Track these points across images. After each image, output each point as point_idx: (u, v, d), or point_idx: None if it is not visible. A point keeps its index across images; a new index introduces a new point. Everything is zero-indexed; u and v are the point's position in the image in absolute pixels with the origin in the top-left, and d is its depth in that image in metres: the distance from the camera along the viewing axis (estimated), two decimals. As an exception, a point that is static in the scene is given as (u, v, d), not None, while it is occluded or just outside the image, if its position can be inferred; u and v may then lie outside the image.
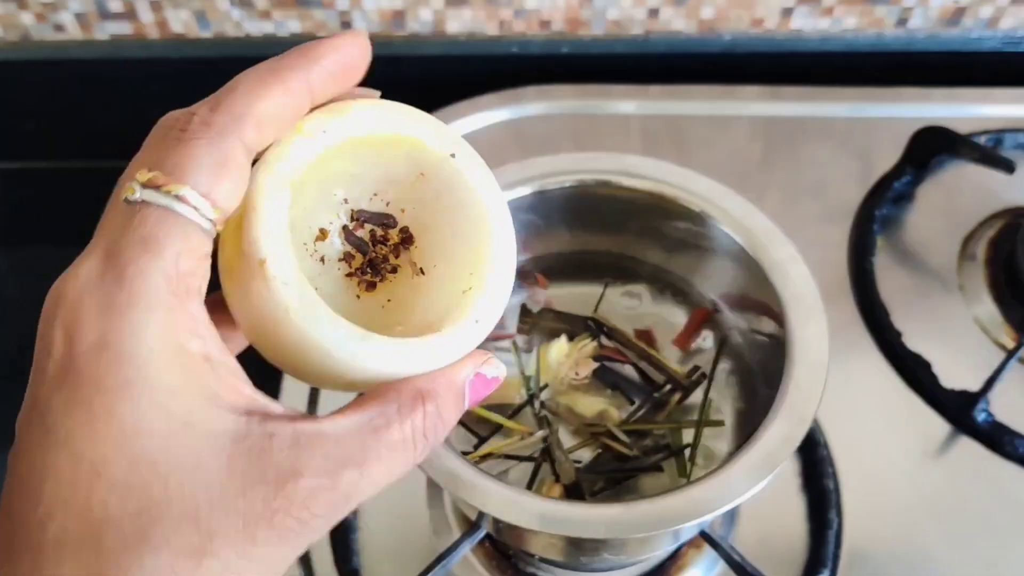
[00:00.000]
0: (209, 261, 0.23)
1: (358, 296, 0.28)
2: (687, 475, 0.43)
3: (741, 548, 0.43)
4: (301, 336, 0.23)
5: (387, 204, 0.28)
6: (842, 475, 0.51)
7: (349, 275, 0.27)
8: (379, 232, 0.28)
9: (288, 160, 0.24)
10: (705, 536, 0.44)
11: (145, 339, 0.21)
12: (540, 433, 0.44)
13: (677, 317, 0.48)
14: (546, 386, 0.46)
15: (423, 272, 0.28)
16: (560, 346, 0.47)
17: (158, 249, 0.22)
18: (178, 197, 0.22)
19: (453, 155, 0.26)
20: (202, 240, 0.23)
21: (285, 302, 0.23)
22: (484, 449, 0.44)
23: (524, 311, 0.49)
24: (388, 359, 0.24)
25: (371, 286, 0.28)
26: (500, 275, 0.27)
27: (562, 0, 0.66)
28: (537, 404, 0.45)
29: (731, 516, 0.50)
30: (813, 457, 0.51)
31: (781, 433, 0.36)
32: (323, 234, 0.27)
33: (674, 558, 0.48)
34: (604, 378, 0.46)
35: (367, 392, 0.25)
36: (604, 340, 0.47)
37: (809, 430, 0.37)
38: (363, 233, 0.27)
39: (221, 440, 0.22)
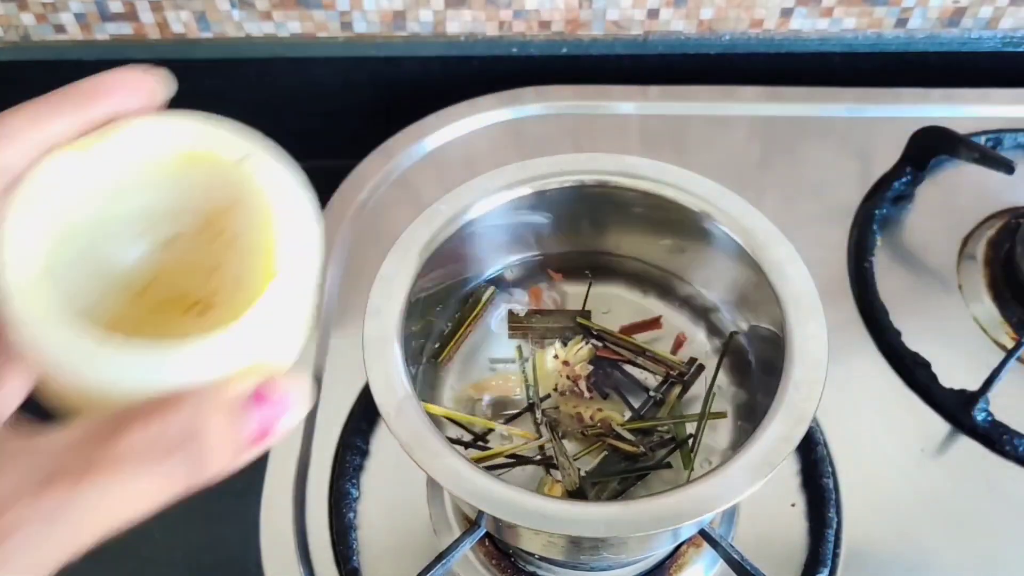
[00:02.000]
0: None
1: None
2: (691, 467, 0.43)
3: (740, 547, 0.43)
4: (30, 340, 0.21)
5: (184, 224, 0.26)
6: (841, 474, 0.51)
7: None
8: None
9: (47, 176, 0.23)
10: (704, 535, 0.44)
11: None
12: (542, 439, 0.44)
13: (677, 318, 0.48)
14: (548, 396, 0.46)
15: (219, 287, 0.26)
16: (555, 352, 0.47)
17: None
18: None
19: (243, 159, 0.25)
20: None
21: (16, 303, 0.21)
22: (487, 452, 0.44)
23: (511, 316, 0.48)
24: (134, 367, 0.21)
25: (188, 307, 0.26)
26: (283, 284, 0.24)
27: (562, 1, 0.66)
28: (539, 413, 0.45)
29: (730, 515, 0.50)
30: (812, 456, 0.51)
31: (780, 432, 0.36)
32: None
33: (674, 556, 0.49)
34: (602, 381, 0.46)
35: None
36: (597, 341, 0.47)
37: (808, 429, 0.37)
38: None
39: None
